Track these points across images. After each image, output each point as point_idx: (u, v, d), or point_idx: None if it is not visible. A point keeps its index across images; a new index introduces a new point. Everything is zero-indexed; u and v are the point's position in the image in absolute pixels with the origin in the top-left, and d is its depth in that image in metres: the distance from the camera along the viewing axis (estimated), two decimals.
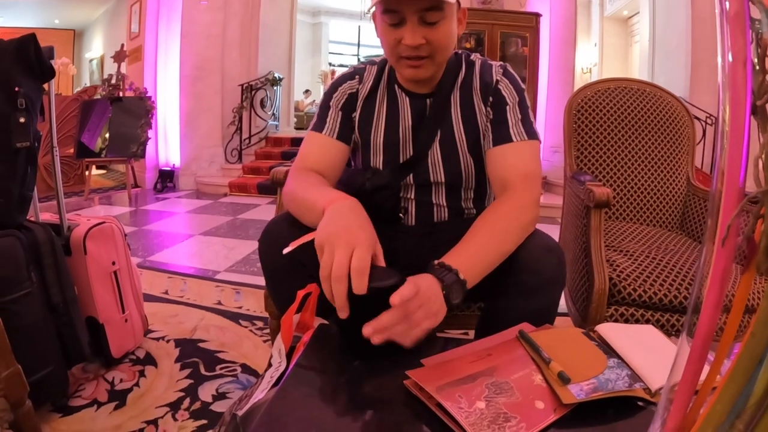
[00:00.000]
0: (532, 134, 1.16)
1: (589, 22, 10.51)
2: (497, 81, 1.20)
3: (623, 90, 2.05)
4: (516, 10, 5.93)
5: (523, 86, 1.23)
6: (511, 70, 1.24)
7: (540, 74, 5.96)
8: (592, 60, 10.40)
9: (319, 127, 1.25)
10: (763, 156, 0.35)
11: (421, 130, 1.23)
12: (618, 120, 2.00)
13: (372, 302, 0.77)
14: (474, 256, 0.94)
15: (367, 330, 0.76)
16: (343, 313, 0.79)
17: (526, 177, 1.10)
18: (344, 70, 1.35)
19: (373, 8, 1.11)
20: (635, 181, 1.99)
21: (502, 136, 1.15)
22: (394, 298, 0.75)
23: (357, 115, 1.26)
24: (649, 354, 0.75)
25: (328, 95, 1.28)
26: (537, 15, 5.79)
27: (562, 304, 1.89)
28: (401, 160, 1.25)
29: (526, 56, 5.89)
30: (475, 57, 1.26)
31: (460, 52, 1.27)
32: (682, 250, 1.60)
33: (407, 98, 1.24)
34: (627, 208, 1.99)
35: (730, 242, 0.38)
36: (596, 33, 10.41)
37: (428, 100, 1.23)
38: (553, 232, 2.24)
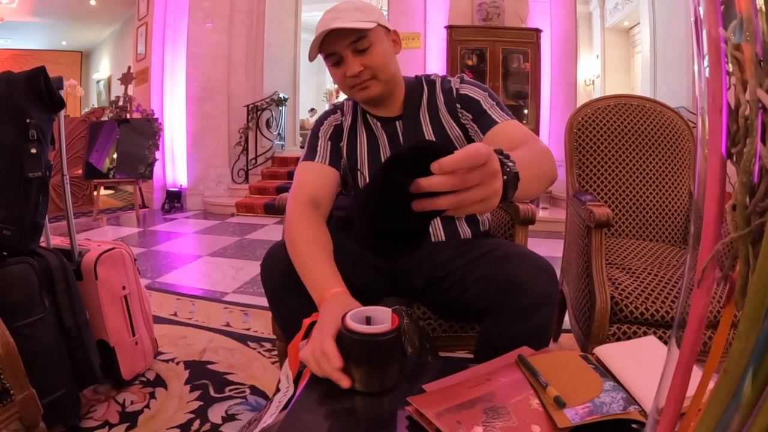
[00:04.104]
0: (510, 116, 1.27)
1: (590, 34, 10.57)
2: (458, 89, 1.33)
3: (623, 107, 2.07)
4: (517, 26, 5.98)
5: (485, 86, 1.34)
6: (468, 78, 1.37)
7: (542, 89, 6.01)
8: (595, 72, 10.45)
9: (310, 156, 1.33)
10: (737, 202, 0.37)
11: (398, 150, 1.30)
12: (619, 137, 2.02)
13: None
14: (523, 159, 0.81)
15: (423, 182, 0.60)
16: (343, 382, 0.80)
17: (527, 138, 1.17)
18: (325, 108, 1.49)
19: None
20: (637, 197, 2.00)
21: (488, 123, 1.24)
22: (453, 157, 0.59)
23: (344, 144, 1.36)
24: (648, 373, 0.77)
25: (316, 128, 1.39)
26: (538, 31, 5.86)
27: (566, 323, 1.92)
28: None
29: (528, 72, 5.95)
30: (435, 76, 1.39)
31: (420, 75, 1.40)
32: (684, 266, 1.61)
33: (379, 123, 1.35)
34: (630, 224, 2.00)
35: (706, 283, 0.41)
36: (598, 45, 10.46)
37: (397, 123, 1.34)
38: (558, 247, 2.27)
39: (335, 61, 1.23)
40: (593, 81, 10.46)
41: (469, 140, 1.30)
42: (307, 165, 1.32)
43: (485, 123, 1.25)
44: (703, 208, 0.40)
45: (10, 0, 8.92)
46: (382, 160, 1.33)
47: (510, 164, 0.72)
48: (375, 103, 1.33)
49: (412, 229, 0.66)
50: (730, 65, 0.35)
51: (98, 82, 12.38)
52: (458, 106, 1.31)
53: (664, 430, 0.45)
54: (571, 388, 0.71)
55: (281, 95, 7.35)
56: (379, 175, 0.62)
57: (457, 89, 1.33)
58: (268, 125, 7.22)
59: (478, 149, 0.61)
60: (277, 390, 0.90)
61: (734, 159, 0.35)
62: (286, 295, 1.17)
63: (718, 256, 0.39)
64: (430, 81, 1.38)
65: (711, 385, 0.41)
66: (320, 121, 1.40)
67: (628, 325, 1.42)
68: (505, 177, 0.69)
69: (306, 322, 0.92)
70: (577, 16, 6.37)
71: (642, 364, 0.80)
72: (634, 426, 0.69)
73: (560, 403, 0.68)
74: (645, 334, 1.40)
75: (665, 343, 1.10)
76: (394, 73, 1.28)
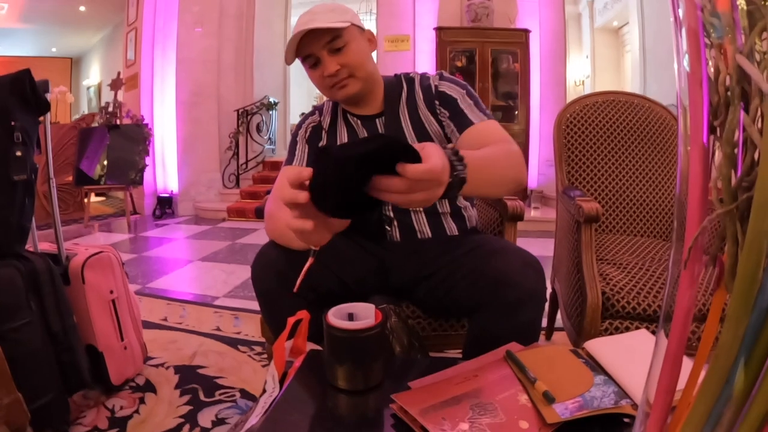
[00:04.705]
0: (488, 115, 1.27)
1: (579, 35, 10.60)
2: (436, 86, 1.32)
3: (611, 103, 2.07)
4: (506, 27, 5.98)
5: (463, 82, 1.35)
6: (447, 75, 1.37)
7: (532, 89, 6.02)
8: (585, 72, 10.47)
9: (289, 161, 1.37)
10: (721, 177, 0.36)
11: None
12: (608, 133, 2.02)
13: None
14: (482, 159, 0.92)
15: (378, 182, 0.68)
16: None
17: (501, 140, 1.18)
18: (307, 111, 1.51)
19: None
20: (627, 193, 2.00)
21: (464, 123, 1.25)
22: (417, 168, 0.68)
23: (323, 144, 1.38)
24: (639, 367, 0.75)
25: (295, 133, 1.41)
26: (526, 31, 5.86)
27: (559, 321, 1.91)
28: None
29: (517, 72, 5.95)
30: (414, 74, 1.40)
31: (399, 73, 1.41)
32: None
33: (360, 121, 1.37)
34: (620, 220, 2.00)
35: (692, 265, 0.39)
36: (587, 45, 10.49)
37: (377, 120, 1.35)
38: (549, 246, 2.26)
39: (312, 63, 1.24)
40: (583, 81, 10.48)
41: (446, 137, 1.31)
42: (286, 169, 1.35)
43: (461, 123, 1.26)
44: (687, 197, 0.39)
45: None
46: None
47: (459, 168, 0.79)
48: (354, 102, 1.34)
49: (365, 205, 0.73)
50: (707, 37, 0.34)
51: (88, 88, 12.32)
52: (437, 102, 1.32)
53: (655, 423, 0.44)
54: (561, 383, 0.70)
55: (271, 99, 7.33)
56: (349, 163, 0.67)
57: (435, 86, 1.33)
58: (258, 130, 7.20)
59: (441, 167, 0.71)
60: (264, 391, 0.88)
61: (717, 133, 0.35)
62: (277, 296, 1.17)
63: (703, 241, 0.38)
64: (409, 78, 1.39)
65: (702, 375, 0.40)
66: (299, 126, 1.43)
67: (620, 321, 1.41)
68: (450, 179, 0.77)
69: (291, 321, 0.91)
70: (565, 16, 6.38)
71: (633, 358, 0.79)
72: (626, 420, 0.68)
73: (549, 398, 0.67)
74: (637, 329, 1.39)
75: None
76: (371, 71, 1.29)
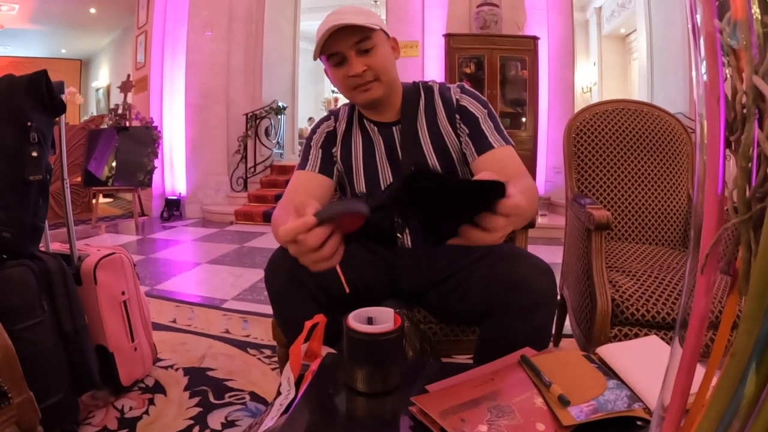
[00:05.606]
0: (507, 140, 1.27)
1: (587, 42, 10.62)
2: (458, 100, 1.32)
3: (621, 111, 2.08)
4: (514, 34, 5.99)
5: (484, 99, 1.34)
6: (469, 88, 1.36)
7: (540, 96, 6.01)
8: (592, 79, 10.48)
9: (302, 165, 1.37)
10: (737, 187, 0.37)
11: (394, 155, 1.33)
12: (617, 141, 2.03)
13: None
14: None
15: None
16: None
17: (521, 174, 1.19)
18: (322, 116, 1.49)
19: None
20: (636, 201, 2.00)
21: (483, 145, 1.25)
22: (510, 202, 0.69)
23: (337, 150, 1.38)
24: (651, 371, 0.76)
25: (309, 138, 1.40)
26: (535, 38, 5.86)
27: (567, 328, 1.91)
28: (382, 187, 1.33)
29: (525, 79, 5.95)
30: (432, 83, 1.39)
31: (417, 81, 1.40)
32: (684, 268, 1.61)
33: (376, 128, 1.36)
34: (629, 228, 2.01)
35: (709, 270, 0.41)
36: (595, 52, 10.51)
37: (394, 128, 1.34)
38: (557, 253, 2.26)
39: (338, 62, 1.22)
40: (590, 88, 10.50)
41: (462, 152, 1.31)
42: (299, 174, 1.36)
43: (481, 144, 1.26)
44: (704, 200, 0.40)
45: (10, 7, 8.94)
46: (378, 164, 1.34)
47: None
48: (373, 107, 1.33)
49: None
50: (725, 57, 0.36)
51: (97, 90, 12.40)
52: (458, 116, 1.31)
53: (670, 426, 0.45)
54: (575, 387, 0.71)
55: (280, 104, 7.36)
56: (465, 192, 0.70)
57: (457, 99, 1.32)
58: (267, 133, 7.21)
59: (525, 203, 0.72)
60: (279, 394, 0.89)
61: (733, 147, 0.36)
62: (289, 298, 1.17)
63: (719, 248, 0.40)
64: (427, 87, 1.38)
65: (714, 380, 0.41)
66: (313, 130, 1.43)
67: (630, 327, 1.42)
68: None
69: (308, 324, 0.92)
70: (573, 23, 6.39)
71: (645, 363, 0.80)
72: (638, 423, 0.69)
73: (564, 402, 0.68)
74: (646, 335, 1.40)
75: (668, 342, 1.09)
76: (394, 77, 1.29)
